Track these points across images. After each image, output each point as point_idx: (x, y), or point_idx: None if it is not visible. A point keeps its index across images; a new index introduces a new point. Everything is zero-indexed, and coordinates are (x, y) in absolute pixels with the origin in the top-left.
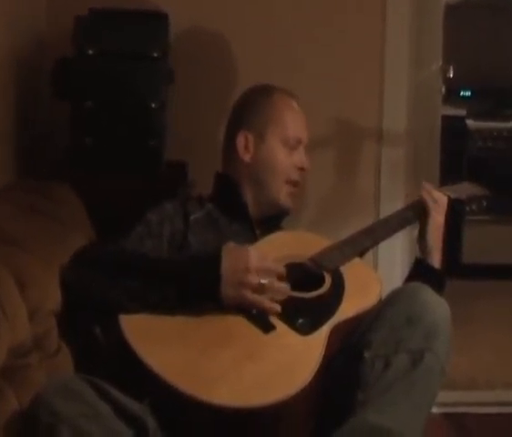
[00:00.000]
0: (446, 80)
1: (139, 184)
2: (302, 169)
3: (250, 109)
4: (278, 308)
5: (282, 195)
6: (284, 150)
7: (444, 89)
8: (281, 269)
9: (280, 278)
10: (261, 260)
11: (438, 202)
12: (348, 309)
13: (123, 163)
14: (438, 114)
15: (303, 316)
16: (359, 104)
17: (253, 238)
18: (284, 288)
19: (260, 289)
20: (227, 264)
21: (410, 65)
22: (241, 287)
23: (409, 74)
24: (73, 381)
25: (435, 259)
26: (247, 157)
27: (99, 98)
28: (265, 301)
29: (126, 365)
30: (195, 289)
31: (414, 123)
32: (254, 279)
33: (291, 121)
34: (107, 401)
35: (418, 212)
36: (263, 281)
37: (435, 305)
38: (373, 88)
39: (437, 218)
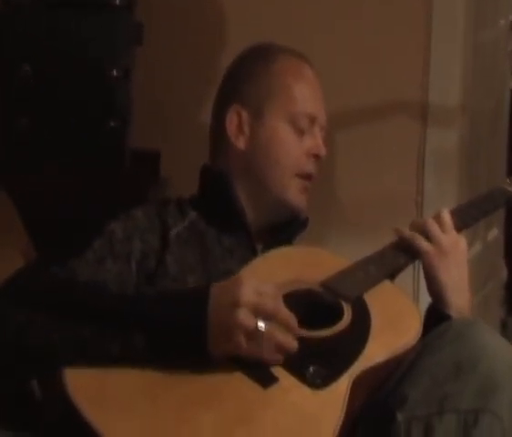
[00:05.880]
0: None
1: (95, 180)
2: (316, 157)
3: (246, 77)
4: (281, 359)
5: (292, 192)
6: (292, 132)
7: None
8: (287, 313)
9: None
10: (258, 294)
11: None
12: (375, 352)
13: (72, 152)
14: (506, 86)
15: (316, 363)
16: (397, 71)
17: (252, 258)
18: (292, 342)
19: (256, 333)
20: (214, 298)
21: (467, 21)
22: (231, 330)
23: (466, 33)
24: None
25: (455, 304)
26: (241, 143)
27: (39, 62)
28: (264, 352)
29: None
30: (172, 334)
31: (473, 98)
32: (248, 319)
33: (301, 93)
34: None
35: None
36: (261, 325)
37: (495, 348)
38: (417, 50)
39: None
